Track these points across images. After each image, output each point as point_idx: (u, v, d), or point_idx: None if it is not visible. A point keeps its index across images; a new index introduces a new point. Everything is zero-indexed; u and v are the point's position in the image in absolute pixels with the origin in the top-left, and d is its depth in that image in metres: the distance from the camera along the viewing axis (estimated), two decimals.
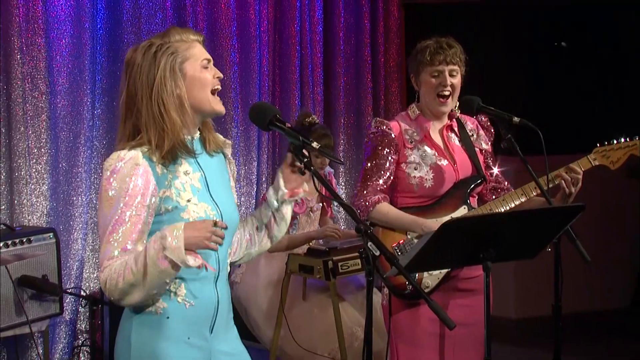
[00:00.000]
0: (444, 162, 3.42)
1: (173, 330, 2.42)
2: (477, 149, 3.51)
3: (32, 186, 4.98)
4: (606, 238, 6.61)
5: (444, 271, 3.33)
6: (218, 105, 2.50)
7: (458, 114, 3.51)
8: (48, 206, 5.05)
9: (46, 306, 4.51)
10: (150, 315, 2.42)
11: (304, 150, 2.49)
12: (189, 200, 2.42)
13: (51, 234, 4.58)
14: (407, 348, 3.38)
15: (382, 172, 3.40)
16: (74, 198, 5.17)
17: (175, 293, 2.42)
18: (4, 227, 4.51)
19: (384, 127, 3.44)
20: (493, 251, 2.76)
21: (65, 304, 4.91)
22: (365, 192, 3.39)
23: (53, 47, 5.09)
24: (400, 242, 3.38)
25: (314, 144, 2.47)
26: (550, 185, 3.31)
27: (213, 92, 2.49)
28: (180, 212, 2.41)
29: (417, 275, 3.30)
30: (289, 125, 2.53)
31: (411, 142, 3.43)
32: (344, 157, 6.45)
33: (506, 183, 3.58)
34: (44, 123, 5.03)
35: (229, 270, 2.61)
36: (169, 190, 2.41)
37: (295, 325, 4.53)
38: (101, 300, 4.69)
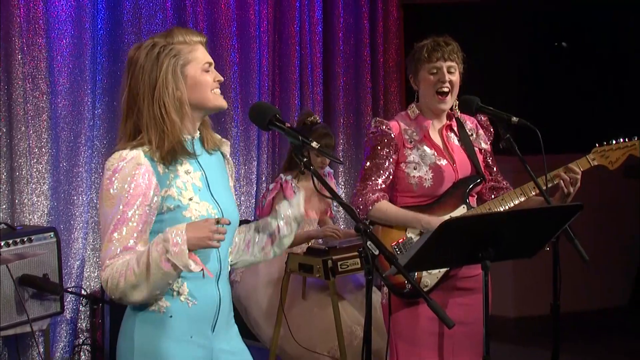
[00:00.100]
0: (443, 162, 3.42)
1: (176, 329, 2.43)
2: (476, 149, 3.51)
3: (33, 186, 4.99)
4: (604, 237, 6.60)
5: (443, 270, 3.33)
6: (219, 100, 2.52)
7: (457, 114, 3.51)
8: (49, 205, 5.06)
9: (47, 305, 4.52)
10: (153, 313, 2.43)
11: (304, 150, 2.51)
12: (190, 199, 2.44)
13: (52, 233, 4.59)
14: (407, 347, 3.38)
15: (382, 172, 3.40)
16: (75, 197, 5.18)
17: (178, 292, 2.43)
18: (5, 227, 4.52)
19: (384, 127, 3.44)
20: (492, 250, 2.77)
21: (65, 303, 4.93)
22: (364, 191, 3.39)
23: (54, 47, 5.10)
24: (400, 241, 3.38)
25: (314, 144, 2.48)
26: (549, 185, 3.31)
27: None
28: (182, 210, 2.42)
29: (416, 274, 3.30)
30: (289, 125, 2.55)
31: (411, 142, 3.44)
32: (344, 156, 6.45)
33: (505, 182, 3.58)
34: (45, 123, 5.04)
35: (229, 269, 2.62)
36: (171, 189, 2.42)
37: (295, 324, 4.53)
38: (102, 299, 4.70)
